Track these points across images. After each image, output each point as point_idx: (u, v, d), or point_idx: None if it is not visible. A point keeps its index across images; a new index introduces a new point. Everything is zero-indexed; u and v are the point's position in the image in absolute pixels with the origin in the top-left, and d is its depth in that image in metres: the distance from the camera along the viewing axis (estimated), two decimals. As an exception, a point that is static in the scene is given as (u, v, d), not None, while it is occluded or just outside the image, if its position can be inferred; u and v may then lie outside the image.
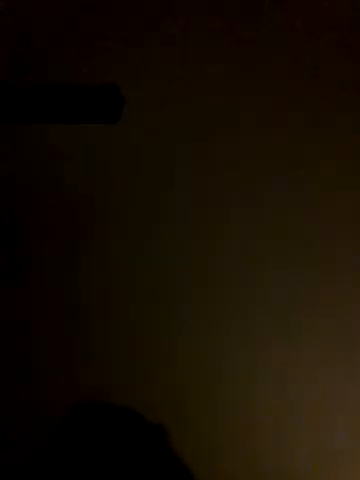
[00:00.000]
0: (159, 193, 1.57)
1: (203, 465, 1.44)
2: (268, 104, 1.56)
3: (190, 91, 1.58)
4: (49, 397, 1.50)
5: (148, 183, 1.58)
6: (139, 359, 1.51)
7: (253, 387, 1.48)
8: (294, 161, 1.55)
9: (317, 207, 1.53)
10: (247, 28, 1.56)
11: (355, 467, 1.44)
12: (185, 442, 1.44)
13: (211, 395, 1.49)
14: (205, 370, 1.50)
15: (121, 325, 1.53)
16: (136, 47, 1.59)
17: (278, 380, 1.48)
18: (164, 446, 1.06)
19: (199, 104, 1.58)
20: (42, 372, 1.52)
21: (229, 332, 1.51)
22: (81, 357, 1.53)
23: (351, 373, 1.47)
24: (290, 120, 1.55)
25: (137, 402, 1.47)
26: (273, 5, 1.55)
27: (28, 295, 1.56)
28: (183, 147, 1.57)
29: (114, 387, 1.49)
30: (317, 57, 1.55)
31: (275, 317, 1.50)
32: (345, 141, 1.54)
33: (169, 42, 1.58)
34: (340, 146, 1.55)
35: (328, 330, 1.48)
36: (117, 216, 1.58)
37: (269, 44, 1.55)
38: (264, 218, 1.54)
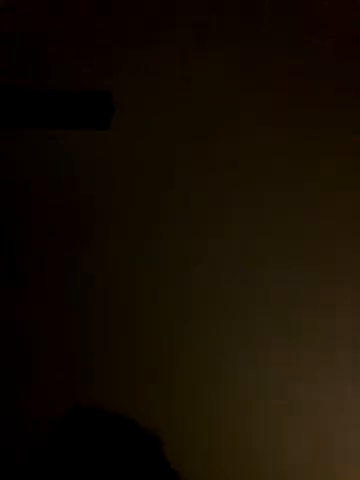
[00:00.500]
0: (159, 193, 1.57)
1: (202, 465, 1.44)
2: (268, 104, 1.56)
3: (190, 91, 1.58)
4: (49, 397, 1.50)
5: (148, 183, 1.58)
6: (139, 359, 1.51)
7: (253, 387, 1.48)
8: (294, 161, 1.55)
9: (317, 207, 1.53)
10: (247, 28, 1.56)
11: (355, 467, 1.44)
12: (184, 442, 1.44)
13: (210, 395, 1.49)
14: (205, 370, 1.50)
15: (121, 325, 1.53)
16: (136, 47, 1.59)
17: (278, 380, 1.48)
18: (158, 455, 1.05)
19: (199, 104, 1.58)
20: (42, 372, 1.52)
21: (229, 332, 1.50)
22: (81, 357, 1.53)
23: (351, 373, 1.47)
24: (290, 120, 1.55)
25: (137, 402, 1.46)
26: (273, 5, 1.55)
27: (28, 295, 1.56)
28: (183, 147, 1.57)
29: (114, 387, 1.49)
30: (317, 57, 1.55)
31: (275, 317, 1.50)
32: (345, 141, 1.54)
33: (169, 42, 1.58)
34: (340, 146, 1.55)
35: (328, 330, 1.48)
36: (117, 216, 1.58)
37: (269, 44, 1.55)
38: (264, 218, 1.54)
